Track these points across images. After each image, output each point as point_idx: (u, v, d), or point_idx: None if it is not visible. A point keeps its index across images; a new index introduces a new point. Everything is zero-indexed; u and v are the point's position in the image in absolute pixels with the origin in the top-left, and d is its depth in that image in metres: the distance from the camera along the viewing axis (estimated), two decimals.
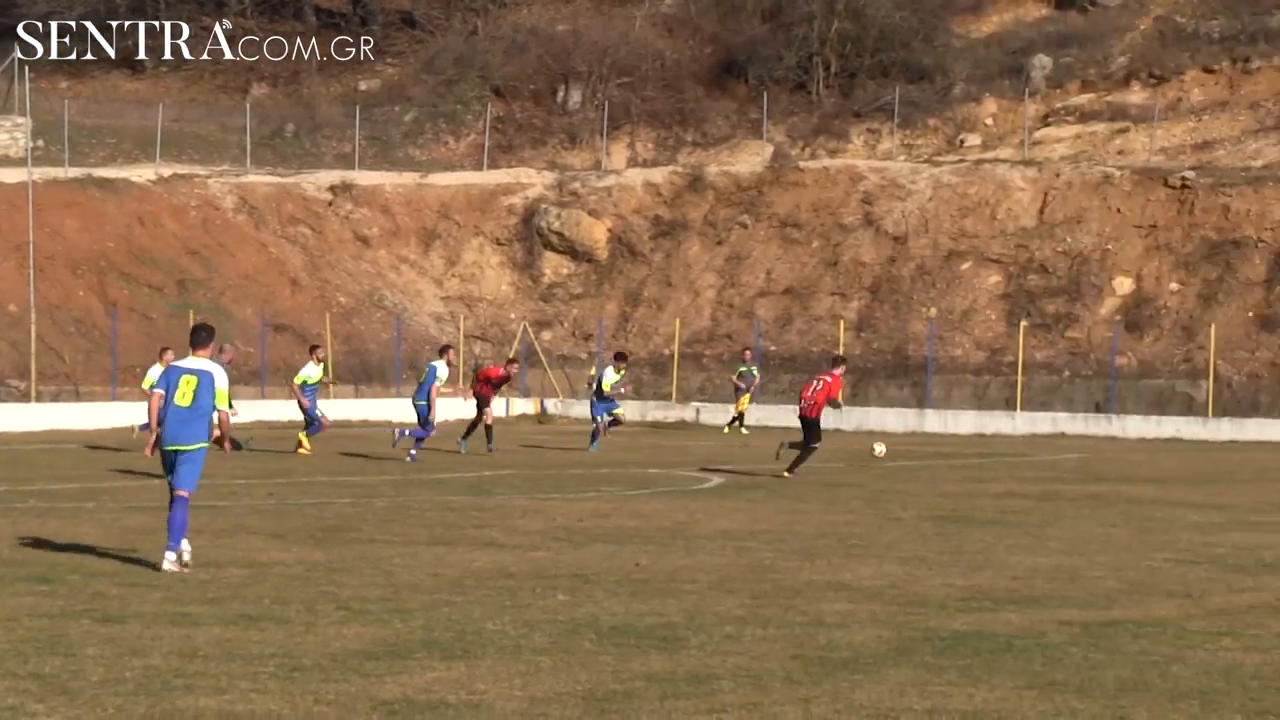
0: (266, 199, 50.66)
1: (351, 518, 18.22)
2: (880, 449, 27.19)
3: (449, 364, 28.77)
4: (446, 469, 26.19)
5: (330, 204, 51.80)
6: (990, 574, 14.10)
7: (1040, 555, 15.52)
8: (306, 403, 29.14)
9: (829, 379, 25.31)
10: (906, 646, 10.52)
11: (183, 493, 13.44)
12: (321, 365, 30.08)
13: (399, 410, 42.70)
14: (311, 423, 29.30)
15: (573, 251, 52.06)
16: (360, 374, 43.04)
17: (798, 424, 25.25)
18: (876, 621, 11.46)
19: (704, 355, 47.02)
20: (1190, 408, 42.43)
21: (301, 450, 28.87)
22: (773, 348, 46.22)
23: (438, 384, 28.01)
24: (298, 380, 29.59)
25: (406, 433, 28.41)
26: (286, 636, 10.53)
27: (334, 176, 52.74)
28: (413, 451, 27.56)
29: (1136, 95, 53.55)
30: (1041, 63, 55.01)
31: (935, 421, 41.99)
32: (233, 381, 26.46)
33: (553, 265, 52.10)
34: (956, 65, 56.10)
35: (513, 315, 50.53)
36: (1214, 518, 19.72)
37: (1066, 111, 53.84)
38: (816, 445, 25.11)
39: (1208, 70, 53.72)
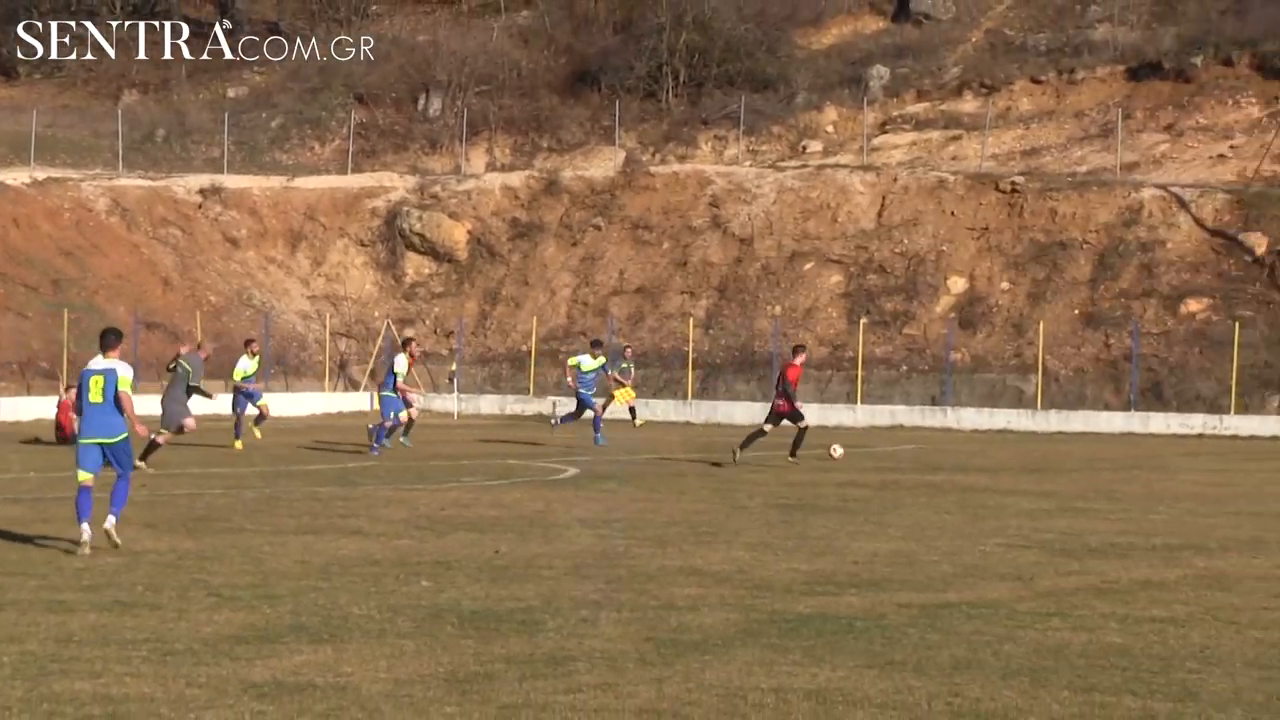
0: (138, 201, 50.49)
1: (222, 508, 18.29)
2: (838, 451, 26.87)
3: (410, 356, 28.82)
4: (317, 460, 26.32)
5: (200, 206, 51.93)
6: (833, 559, 14.41)
7: (880, 541, 15.86)
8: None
9: (787, 369, 25.86)
10: (754, 628, 10.77)
11: (121, 474, 14.53)
12: (256, 357, 30.33)
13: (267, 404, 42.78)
14: (257, 412, 29.71)
15: (434, 252, 52.50)
16: (230, 370, 42.97)
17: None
18: (725, 605, 11.71)
19: (560, 351, 47.42)
20: (1020, 401, 43.77)
21: (255, 435, 30.18)
22: (626, 345, 46.85)
23: (399, 379, 28.27)
24: (237, 376, 29.91)
25: (413, 440, 28.35)
26: (159, 622, 10.67)
27: (203, 180, 52.96)
28: (395, 442, 28.43)
29: (969, 104, 54.99)
30: (879, 73, 56.27)
31: None
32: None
33: (414, 265, 52.50)
34: (799, 75, 57.19)
35: (376, 314, 50.87)
36: (1043, 505, 20.25)
37: (903, 119, 55.17)
38: (805, 425, 25.81)
39: (1035, 81, 55.31)
